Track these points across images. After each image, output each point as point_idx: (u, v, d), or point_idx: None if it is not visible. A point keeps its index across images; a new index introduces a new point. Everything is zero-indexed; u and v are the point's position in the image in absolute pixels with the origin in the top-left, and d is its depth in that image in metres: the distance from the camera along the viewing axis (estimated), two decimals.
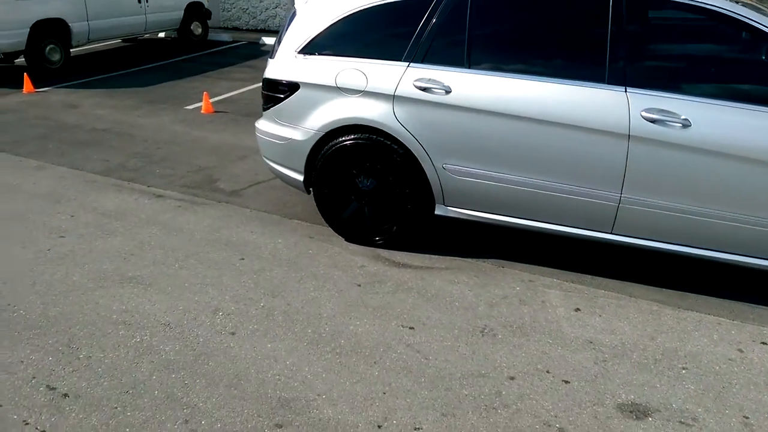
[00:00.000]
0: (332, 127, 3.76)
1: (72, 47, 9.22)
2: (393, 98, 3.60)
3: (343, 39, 3.78)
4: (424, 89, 3.52)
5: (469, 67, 3.48)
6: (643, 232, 3.37)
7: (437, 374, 2.71)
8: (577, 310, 3.25)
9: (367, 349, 2.86)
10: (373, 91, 3.63)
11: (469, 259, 3.79)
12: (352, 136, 3.72)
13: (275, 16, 12.81)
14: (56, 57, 8.86)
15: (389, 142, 3.66)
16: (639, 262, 3.80)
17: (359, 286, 3.44)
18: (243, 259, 3.73)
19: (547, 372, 2.74)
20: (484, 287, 3.46)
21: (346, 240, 4.00)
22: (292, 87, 3.86)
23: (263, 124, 4.11)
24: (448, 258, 3.80)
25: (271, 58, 4.02)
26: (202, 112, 7.06)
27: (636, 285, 3.53)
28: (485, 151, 3.48)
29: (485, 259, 3.79)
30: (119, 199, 4.59)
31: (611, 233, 3.44)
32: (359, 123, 3.68)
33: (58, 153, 5.64)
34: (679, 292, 3.47)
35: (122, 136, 6.19)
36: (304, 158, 3.92)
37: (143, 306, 3.19)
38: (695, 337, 3.05)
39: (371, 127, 3.68)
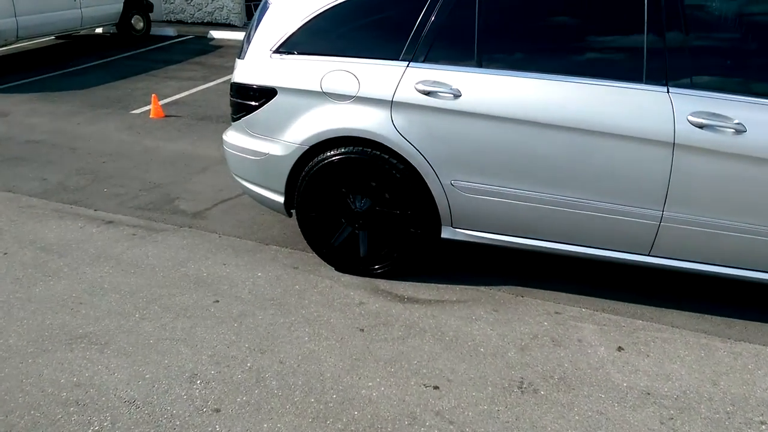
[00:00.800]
0: (318, 140, 3.18)
1: None
2: (391, 105, 3.04)
3: (327, 35, 3.19)
4: (428, 93, 2.98)
5: (481, 66, 2.95)
6: (687, 254, 2.93)
7: None
8: (620, 349, 2.79)
9: (389, 423, 2.32)
10: (367, 96, 3.07)
11: (482, 288, 3.29)
12: (343, 150, 3.16)
13: (222, 7, 11.99)
14: None
15: (387, 156, 3.11)
16: (665, 281, 3.37)
17: (362, 331, 2.90)
18: (218, 301, 3.13)
19: None
20: (508, 324, 2.97)
21: (336, 269, 3.44)
22: (267, 93, 3.26)
23: (232, 137, 3.49)
24: (458, 287, 3.29)
25: (239, 58, 3.40)
26: (151, 116, 6.32)
27: (673, 311, 3.10)
28: (502, 165, 2.96)
29: (499, 287, 3.30)
30: (62, 229, 3.90)
31: (649, 255, 2.99)
32: (351, 135, 3.11)
33: None
34: (723, 318, 3.05)
35: (61, 148, 5.43)
36: (285, 177, 3.33)
37: (99, 376, 2.56)
38: (760, 377, 2.63)
39: (365, 139, 3.12)
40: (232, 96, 3.43)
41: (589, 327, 2.95)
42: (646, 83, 2.78)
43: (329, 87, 3.12)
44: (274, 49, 3.26)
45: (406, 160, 3.09)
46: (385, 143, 3.08)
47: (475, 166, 3.01)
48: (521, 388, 2.52)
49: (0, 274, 3.35)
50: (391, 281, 3.33)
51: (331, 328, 2.92)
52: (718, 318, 3.06)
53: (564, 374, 2.61)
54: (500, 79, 2.91)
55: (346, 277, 3.38)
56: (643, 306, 3.14)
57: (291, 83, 3.19)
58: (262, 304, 3.10)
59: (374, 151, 3.12)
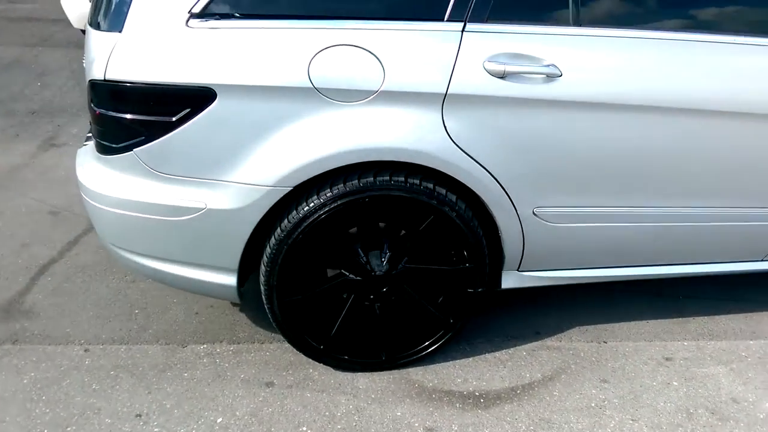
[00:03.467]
0: (310, 174, 1.77)
1: None
2: (443, 100, 1.76)
3: None
4: (506, 76, 1.76)
5: (580, 25, 1.82)
6: None
7: None
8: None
9: None
10: (400, 89, 1.73)
11: (546, 340, 2.30)
12: (358, 186, 1.80)
13: None
14: None
15: (432, 185, 1.85)
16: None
17: None
18: None
19: None
20: (636, 399, 2.04)
21: (336, 368, 2.12)
22: (193, 97, 1.69)
23: (112, 182, 1.84)
24: (512, 354, 2.24)
25: (105, 30, 1.73)
26: None
27: None
28: (618, 178, 1.93)
29: (559, 336, 2.34)
30: None
31: (763, 260, 2.29)
32: (377, 159, 1.77)
33: None
34: None
35: None
36: (241, 243, 1.85)
37: None
38: None
39: (400, 162, 1.81)
40: (99, 106, 1.76)
41: (730, 382, 2.17)
42: None
43: (325, 77, 1.70)
44: (194, 10, 1.67)
45: (466, 186, 1.87)
46: (435, 166, 1.81)
47: (574, 182, 1.92)
48: None
49: None
50: (416, 368, 2.15)
51: None
52: None
53: None
54: (628, 44, 1.82)
55: (361, 380, 2.09)
56: (745, 331, 2.47)
57: (243, 75, 1.68)
58: None
59: (412, 181, 1.83)
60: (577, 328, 2.40)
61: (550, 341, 2.32)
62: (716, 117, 1.88)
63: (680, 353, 2.28)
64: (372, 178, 1.81)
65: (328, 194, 1.80)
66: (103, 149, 1.81)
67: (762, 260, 2.28)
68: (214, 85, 1.68)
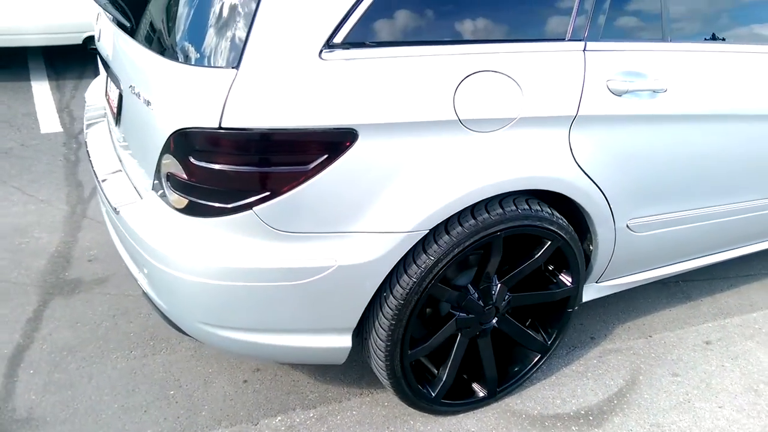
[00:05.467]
0: (452, 212, 1.61)
1: None
2: (572, 122, 1.70)
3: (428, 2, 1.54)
4: (623, 93, 1.76)
5: (670, 41, 1.87)
6: None
7: None
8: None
9: None
10: (537, 114, 1.64)
11: (603, 344, 2.37)
12: (490, 220, 1.68)
13: None
14: None
15: (549, 212, 1.80)
16: None
17: None
18: None
19: None
20: (709, 387, 2.18)
21: (437, 414, 1.98)
22: (333, 141, 1.44)
23: (215, 250, 1.51)
24: (585, 364, 2.28)
25: (179, 61, 1.40)
26: None
27: None
28: (706, 181, 2.04)
29: (611, 338, 2.43)
30: None
31: None
32: (512, 189, 1.67)
33: None
34: None
35: None
36: (368, 297, 1.64)
37: None
38: None
39: (537, 191, 1.72)
40: (206, 160, 1.42)
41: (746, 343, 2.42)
42: None
43: (470, 107, 1.55)
44: (328, 40, 1.42)
45: (583, 207, 1.84)
46: (561, 190, 1.76)
47: (667, 192, 1.99)
48: None
49: None
50: (511, 397, 2.09)
51: None
52: None
53: None
54: (721, 57, 1.91)
55: (469, 422, 1.97)
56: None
57: (387, 112, 1.47)
58: None
59: (537, 207, 1.76)
60: (620, 326, 2.50)
61: (608, 344, 2.38)
62: None
63: (713, 335, 2.48)
64: (501, 209, 1.69)
65: (460, 231, 1.65)
66: (205, 211, 1.47)
67: None
68: (356, 125, 1.44)
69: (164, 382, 2.06)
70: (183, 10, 1.49)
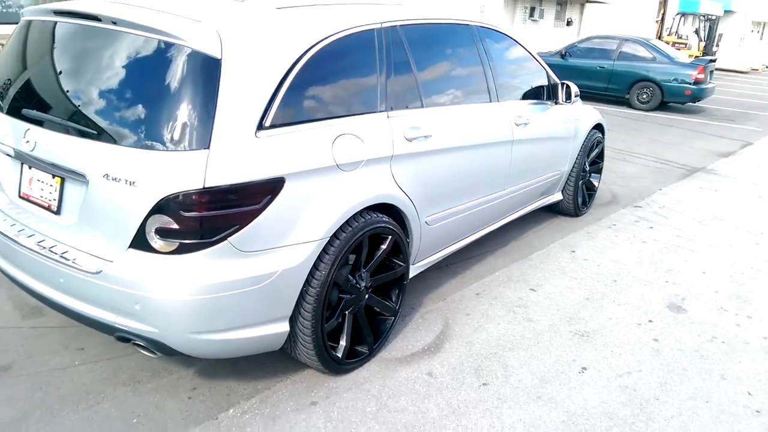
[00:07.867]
0: (340, 224, 2.53)
1: None
2: (391, 160, 2.78)
3: (313, 91, 2.46)
4: (412, 139, 2.90)
5: (423, 106, 3.07)
6: None
7: None
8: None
9: None
10: (373, 157, 2.67)
11: (427, 304, 3.46)
12: (367, 222, 2.65)
13: None
14: None
15: (384, 216, 2.83)
16: None
17: (487, 385, 2.78)
18: None
19: None
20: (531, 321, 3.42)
21: (337, 372, 2.83)
22: (271, 187, 2.26)
23: (199, 274, 2.18)
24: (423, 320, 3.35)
25: (157, 150, 2.11)
26: None
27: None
28: (465, 186, 3.32)
29: (435, 300, 3.55)
30: None
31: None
32: (377, 201, 2.70)
33: None
34: None
35: None
36: (298, 291, 2.46)
37: None
38: None
39: (382, 204, 2.75)
40: (194, 210, 2.12)
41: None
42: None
43: (341, 155, 2.51)
44: (259, 125, 2.25)
45: (403, 213, 2.92)
46: (392, 202, 2.82)
47: (443, 197, 3.19)
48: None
49: None
50: (383, 351, 3.05)
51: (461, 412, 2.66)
52: None
53: None
54: (446, 112, 3.21)
55: (364, 373, 2.85)
56: None
57: (299, 164, 2.35)
58: None
59: (376, 214, 2.77)
60: (425, 296, 3.60)
61: (423, 308, 3.45)
62: (485, 147, 3.42)
63: (480, 289, 3.73)
64: (363, 219, 2.65)
65: (345, 235, 2.55)
66: (192, 248, 2.14)
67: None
68: (284, 174, 2.28)
69: (123, 418, 2.50)
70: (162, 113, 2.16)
